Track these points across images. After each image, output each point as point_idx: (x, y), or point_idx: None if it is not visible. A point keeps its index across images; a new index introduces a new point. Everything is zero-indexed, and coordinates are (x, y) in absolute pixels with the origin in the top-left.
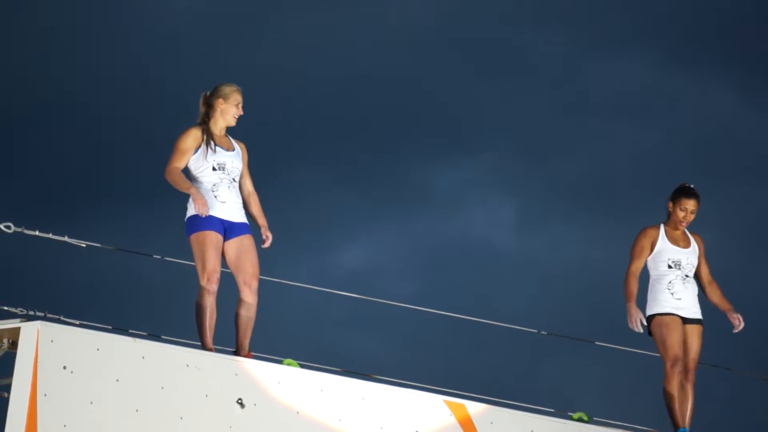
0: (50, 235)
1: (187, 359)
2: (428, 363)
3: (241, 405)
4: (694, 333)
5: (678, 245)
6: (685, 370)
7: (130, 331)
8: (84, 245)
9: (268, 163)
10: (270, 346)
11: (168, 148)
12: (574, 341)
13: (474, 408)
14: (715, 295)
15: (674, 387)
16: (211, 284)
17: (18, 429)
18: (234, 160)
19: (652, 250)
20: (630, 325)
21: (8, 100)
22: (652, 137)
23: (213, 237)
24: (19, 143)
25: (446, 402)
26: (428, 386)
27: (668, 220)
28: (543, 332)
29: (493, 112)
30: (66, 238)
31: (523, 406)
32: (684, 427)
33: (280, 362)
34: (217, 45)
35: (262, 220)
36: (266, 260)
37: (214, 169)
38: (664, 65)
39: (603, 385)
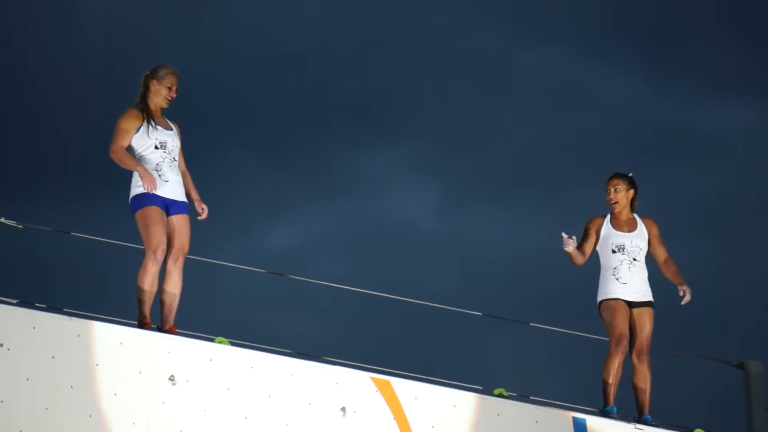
0: None
1: (122, 337)
2: (355, 341)
3: (173, 382)
4: (644, 315)
5: (622, 230)
6: (638, 352)
7: (65, 309)
8: (21, 226)
9: (198, 145)
10: (201, 325)
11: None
12: (492, 320)
13: (399, 384)
14: (669, 272)
15: (614, 364)
16: (157, 256)
17: None
18: (173, 139)
19: (598, 236)
20: (564, 247)
21: None
22: (570, 122)
23: (158, 212)
24: None
25: (372, 378)
26: (354, 363)
27: (610, 207)
28: (481, 314)
29: (416, 98)
30: (2, 219)
31: (446, 382)
32: (613, 406)
33: (212, 340)
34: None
35: (195, 194)
36: (197, 240)
37: (156, 147)
38: (582, 55)
39: (520, 363)
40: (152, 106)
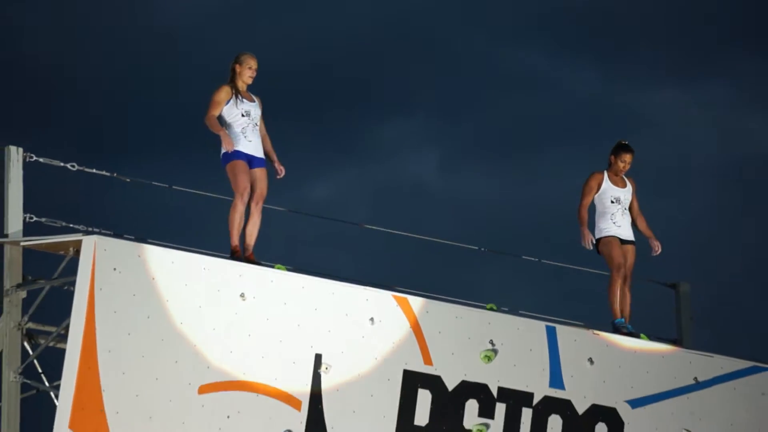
0: (104, 172)
1: (205, 264)
2: (379, 268)
3: (243, 298)
4: (629, 250)
5: (618, 185)
6: (624, 278)
7: (162, 243)
8: (128, 180)
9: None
10: (264, 255)
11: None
12: (482, 252)
13: (413, 300)
14: (641, 225)
15: (616, 287)
16: (243, 197)
17: (80, 313)
18: (255, 109)
19: (598, 189)
20: (582, 243)
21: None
22: (539, 105)
23: (243, 164)
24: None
25: (393, 296)
26: (379, 285)
27: (610, 167)
28: (483, 249)
29: (421, 86)
30: (115, 174)
31: (450, 299)
32: (621, 318)
33: (272, 266)
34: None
35: (274, 156)
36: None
37: (242, 115)
38: (550, 51)
39: (506, 286)
40: (239, 84)
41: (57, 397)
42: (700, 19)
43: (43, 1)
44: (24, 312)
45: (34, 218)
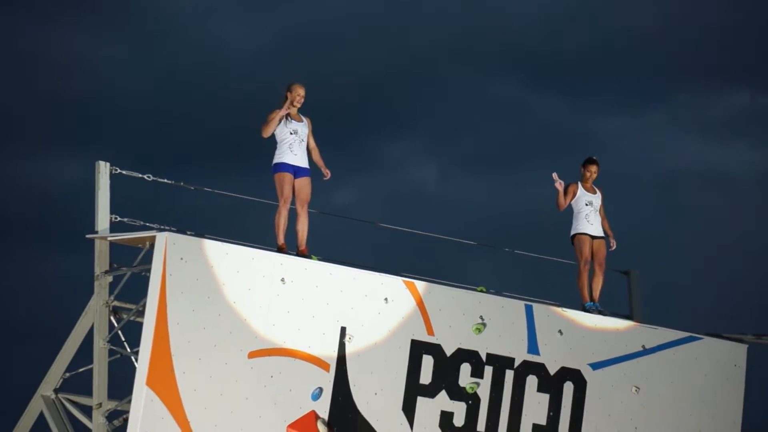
0: (172, 182)
1: (252, 255)
2: (391, 259)
3: (283, 282)
4: (601, 244)
5: (590, 192)
6: (599, 265)
7: (218, 238)
8: (192, 188)
9: None
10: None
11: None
12: (475, 246)
13: (419, 284)
14: (605, 225)
15: (584, 277)
16: (285, 204)
17: (155, 294)
18: (302, 128)
19: (573, 196)
20: (556, 185)
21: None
22: (517, 130)
23: (288, 176)
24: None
25: (403, 281)
26: (392, 272)
27: (582, 178)
28: (473, 243)
29: (422, 110)
30: (182, 183)
31: (448, 283)
32: (590, 302)
33: (309, 257)
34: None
35: (322, 163)
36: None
37: (290, 133)
38: (526, 83)
39: (493, 273)
40: (290, 107)
41: (136, 360)
42: (645, 60)
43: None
44: (110, 293)
45: (119, 218)
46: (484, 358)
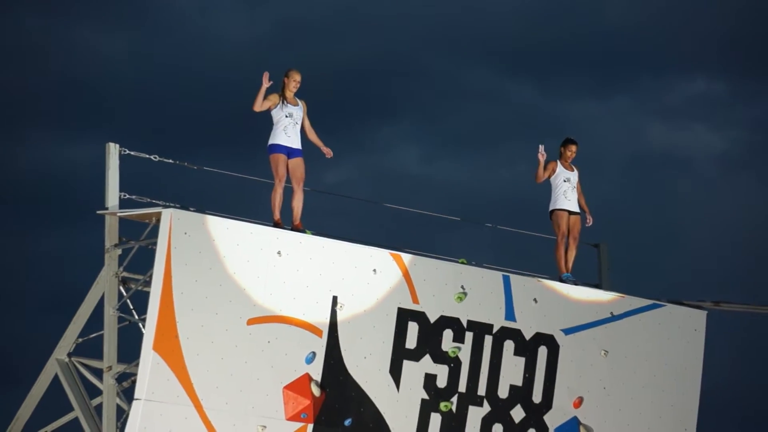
0: (177, 162)
1: (251, 229)
2: (380, 234)
3: (280, 255)
4: (576, 220)
5: (568, 170)
6: (573, 239)
7: (219, 214)
8: (195, 167)
9: None
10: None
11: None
12: (454, 221)
13: (405, 257)
14: (582, 202)
15: (561, 251)
16: (281, 182)
17: (161, 265)
18: (298, 111)
19: (553, 172)
20: (539, 156)
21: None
22: (493, 114)
23: (282, 156)
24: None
25: (390, 253)
26: (380, 245)
27: (561, 156)
28: (459, 218)
29: (407, 97)
30: (186, 164)
31: (431, 255)
32: (566, 273)
33: (304, 231)
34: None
35: (320, 143)
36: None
37: (286, 116)
38: (502, 71)
39: (473, 246)
40: (286, 93)
41: (144, 326)
42: (611, 49)
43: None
44: (119, 264)
45: (127, 195)
46: (465, 324)
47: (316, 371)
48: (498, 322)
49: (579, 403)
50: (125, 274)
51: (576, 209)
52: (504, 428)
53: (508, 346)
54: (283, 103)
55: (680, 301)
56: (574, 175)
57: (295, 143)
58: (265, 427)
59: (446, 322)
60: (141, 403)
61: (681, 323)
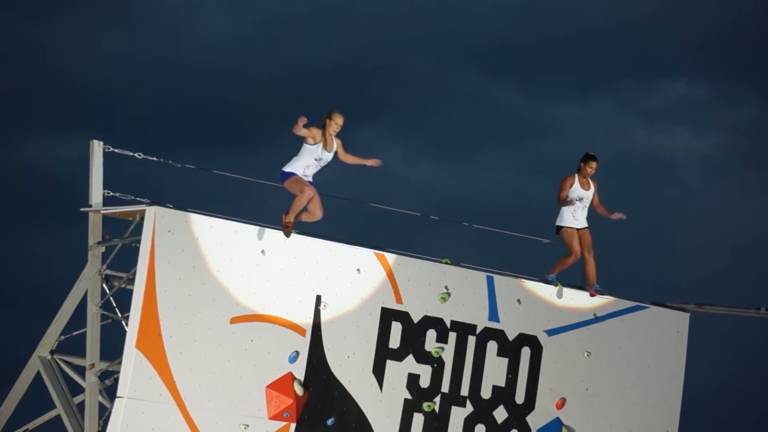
0: (161, 160)
1: (235, 228)
2: (365, 234)
3: (264, 253)
4: (585, 233)
5: (584, 188)
6: (587, 251)
7: (203, 212)
8: (179, 165)
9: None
10: (278, 222)
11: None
12: (437, 220)
13: (389, 256)
14: (604, 212)
15: (568, 263)
16: (308, 189)
17: (144, 263)
18: (329, 157)
19: (570, 187)
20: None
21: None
22: (475, 114)
23: (300, 177)
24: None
25: (374, 253)
26: (364, 245)
27: (579, 171)
28: (435, 217)
29: (387, 102)
30: (170, 162)
31: (414, 255)
32: (596, 285)
33: (288, 236)
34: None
35: (361, 161)
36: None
37: (315, 159)
38: (484, 73)
39: (457, 246)
40: (326, 134)
41: (126, 324)
42: (592, 52)
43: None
44: (103, 262)
45: (111, 193)
46: (448, 324)
47: (299, 370)
48: (481, 322)
49: (561, 404)
50: (108, 271)
51: (584, 225)
52: (486, 429)
53: (492, 346)
54: (322, 146)
55: (663, 303)
56: (588, 194)
57: (310, 180)
58: (247, 425)
59: (430, 322)
60: (123, 401)
61: (664, 325)
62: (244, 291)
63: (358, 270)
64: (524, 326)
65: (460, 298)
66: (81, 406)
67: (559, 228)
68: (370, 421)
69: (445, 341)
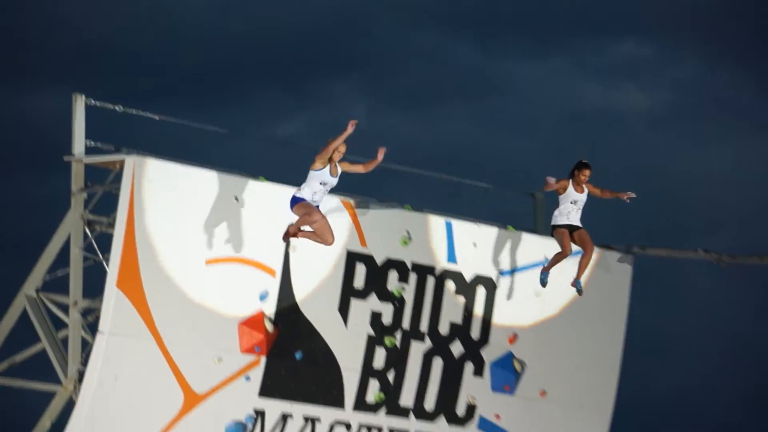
0: (141, 112)
1: (210, 176)
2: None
3: (236, 200)
4: (582, 232)
5: (578, 191)
6: (587, 248)
7: (180, 160)
8: (157, 118)
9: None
10: (252, 170)
11: None
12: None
13: (355, 203)
14: (607, 194)
15: (559, 259)
16: (316, 212)
17: (124, 208)
18: (334, 181)
19: (564, 190)
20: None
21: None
22: (436, 71)
23: (309, 203)
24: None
25: (341, 200)
26: (331, 192)
27: (573, 178)
28: (398, 167)
29: (358, 55)
30: (148, 114)
31: (380, 202)
32: (578, 280)
33: (257, 178)
34: None
35: (369, 162)
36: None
37: (320, 183)
38: (445, 30)
39: (418, 195)
40: (332, 160)
41: (108, 265)
42: (551, 11)
43: None
44: (85, 207)
45: (93, 143)
46: (409, 266)
47: (270, 309)
48: (441, 264)
49: (513, 339)
50: (90, 216)
51: (578, 224)
52: (444, 362)
53: (450, 285)
54: (329, 171)
55: (609, 245)
56: (582, 197)
57: (318, 205)
58: (221, 359)
59: (392, 264)
60: (104, 336)
61: (610, 266)
62: (218, 235)
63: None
64: (479, 267)
65: (420, 241)
66: (65, 341)
67: (554, 228)
68: (335, 355)
69: (407, 281)
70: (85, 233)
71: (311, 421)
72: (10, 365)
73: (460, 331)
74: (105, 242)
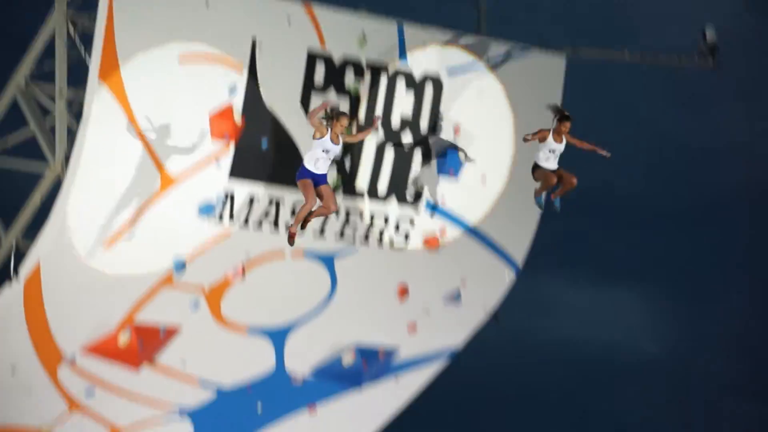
0: None
1: None
2: None
3: (207, 5)
4: (560, 171)
5: (556, 141)
6: (570, 178)
7: None
8: None
9: None
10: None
11: None
12: None
13: (316, 7)
14: (584, 145)
15: (545, 187)
16: (311, 203)
17: (104, 7)
18: (336, 149)
19: (543, 140)
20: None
21: None
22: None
23: (309, 182)
24: None
25: (303, 4)
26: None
27: (554, 130)
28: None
29: None
30: None
31: (338, 5)
32: (539, 197)
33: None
34: None
35: (356, 136)
36: None
37: (323, 151)
38: None
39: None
40: (332, 132)
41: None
42: None
43: None
44: (68, 6)
45: None
46: (364, 65)
47: (238, 102)
48: (393, 64)
49: (458, 130)
50: (73, 14)
51: (555, 167)
52: (395, 150)
53: (400, 82)
54: (331, 139)
55: (542, 46)
56: (560, 147)
57: (322, 172)
58: (195, 144)
59: (348, 62)
60: (87, 123)
61: (543, 67)
62: (191, 33)
63: (288, 19)
64: (428, 67)
65: (374, 43)
66: (54, 131)
67: (535, 167)
68: (296, 143)
69: (362, 78)
70: (68, 31)
71: (275, 201)
72: (2, 148)
73: (411, 123)
74: (88, 41)
